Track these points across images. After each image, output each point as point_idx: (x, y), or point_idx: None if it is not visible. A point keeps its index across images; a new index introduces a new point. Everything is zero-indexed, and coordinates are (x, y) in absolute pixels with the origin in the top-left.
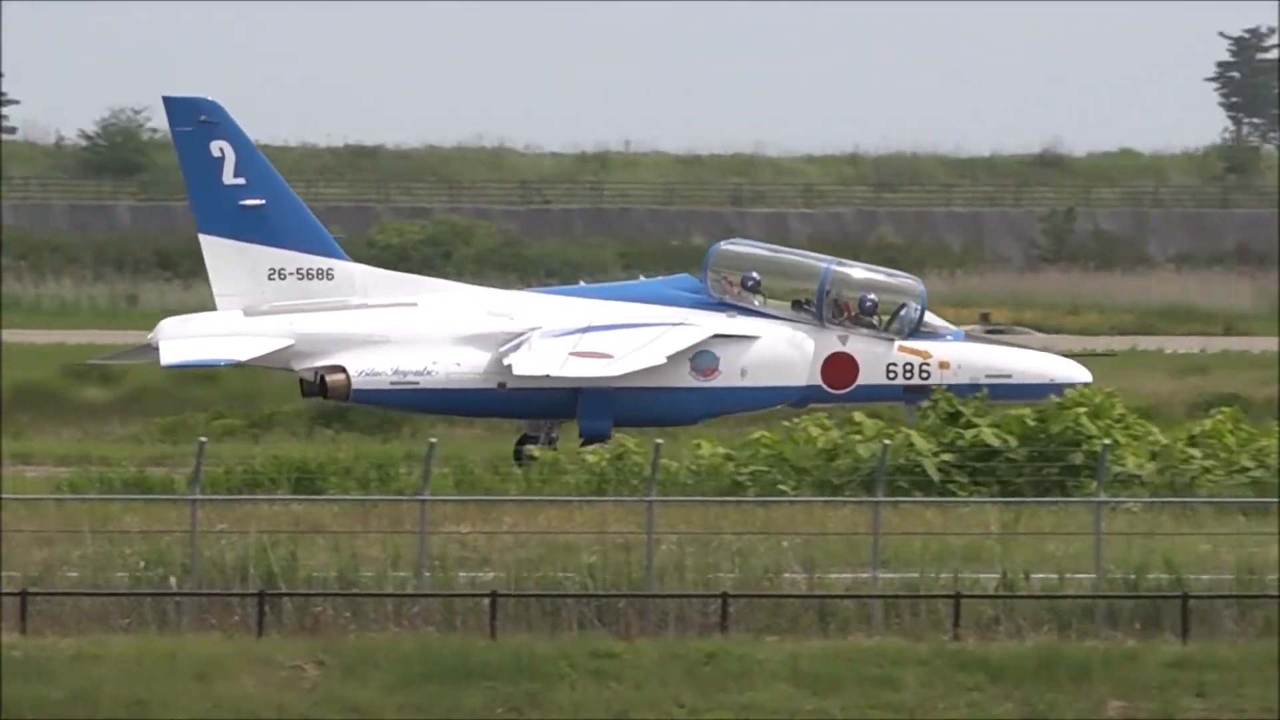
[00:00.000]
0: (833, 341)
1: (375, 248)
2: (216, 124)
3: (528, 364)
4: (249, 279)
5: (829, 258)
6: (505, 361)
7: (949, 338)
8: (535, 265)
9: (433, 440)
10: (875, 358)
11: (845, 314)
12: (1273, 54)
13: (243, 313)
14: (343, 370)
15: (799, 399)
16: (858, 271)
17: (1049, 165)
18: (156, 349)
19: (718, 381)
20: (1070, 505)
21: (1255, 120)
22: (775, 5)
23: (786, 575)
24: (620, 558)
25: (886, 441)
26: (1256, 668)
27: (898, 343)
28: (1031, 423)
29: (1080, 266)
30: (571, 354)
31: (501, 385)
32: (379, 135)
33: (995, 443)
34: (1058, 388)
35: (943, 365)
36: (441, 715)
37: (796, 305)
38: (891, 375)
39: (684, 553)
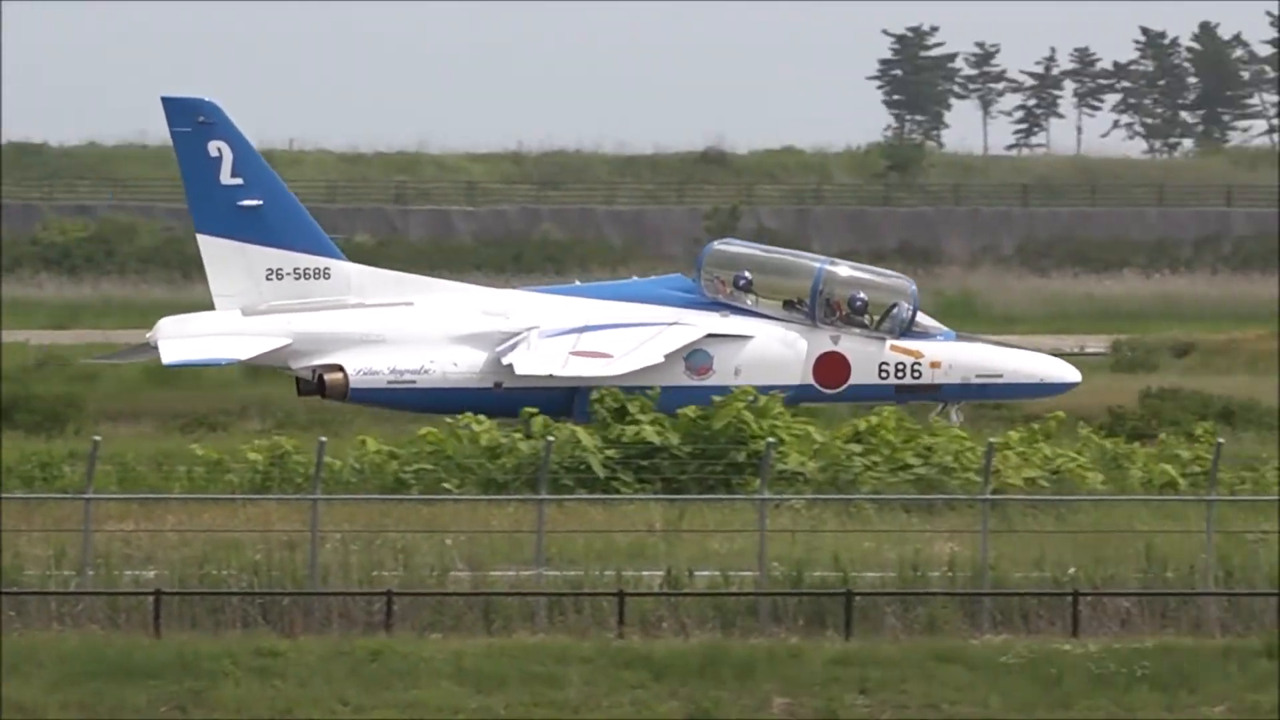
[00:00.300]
0: (825, 341)
1: (40, 245)
2: (214, 124)
3: (529, 363)
4: (247, 279)
5: (821, 257)
6: (506, 361)
7: (940, 338)
8: (194, 263)
9: (96, 438)
10: (867, 357)
11: (837, 313)
12: (935, 51)
13: (241, 312)
14: (340, 369)
15: (791, 398)
16: (850, 271)
17: (712, 163)
18: (155, 348)
19: (711, 380)
20: (734, 502)
21: (918, 118)
22: (431, 5)
23: (451, 573)
24: (284, 556)
25: (550, 439)
26: (918, 664)
27: (889, 342)
28: (695, 420)
29: None
30: (571, 354)
31: (498, 384)
32: (43, 132)
33: (656, 440)
34: (1049, 388)
35: (934, 365)
36: (106, 714)
37: (788, 305)
38: (884, 375)
39: (348, 551)
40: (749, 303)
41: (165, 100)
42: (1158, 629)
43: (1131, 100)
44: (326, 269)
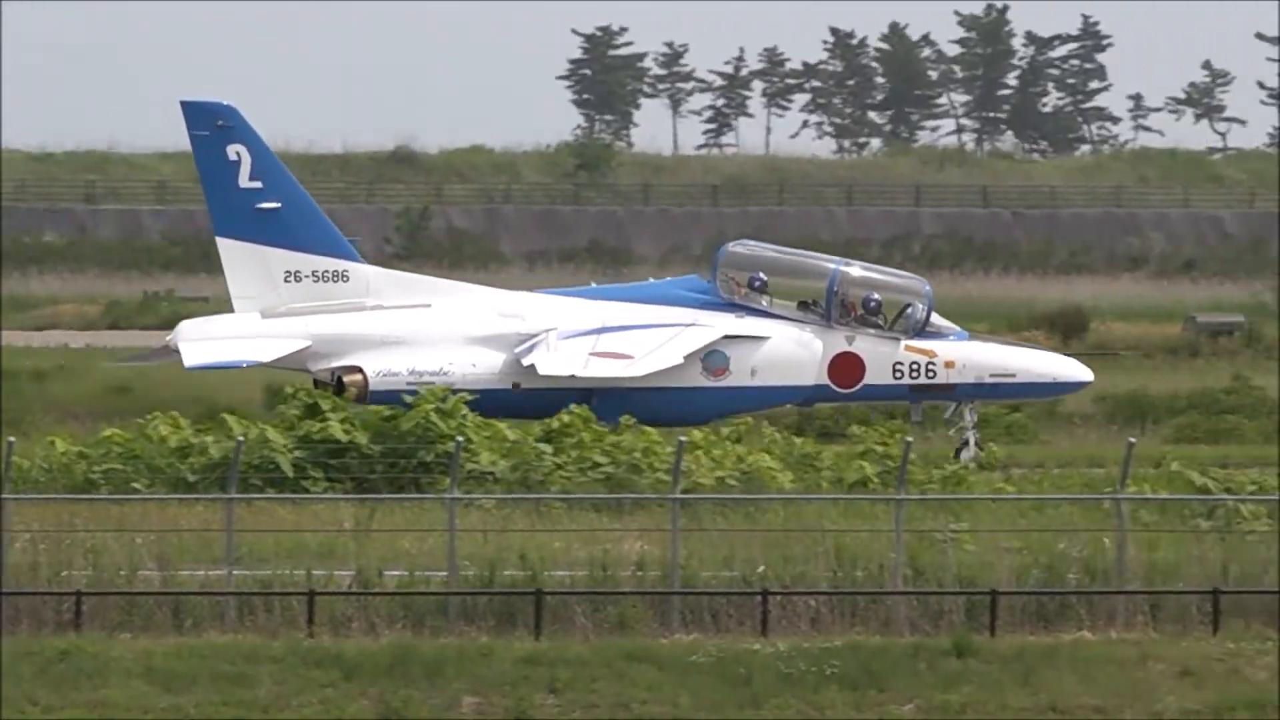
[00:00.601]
0: (840, 341)
1: None
2: (233, 128)
3: (551, 364)
4: (266, 281)
5: (836, 258)
6: (527, 362)
7: (952, 337)
8: None
9: None
10: (882, 357)
11: (852, 314)
12: (624, 51)
13: (260, 314)
14: (360, 371)
15: (807, 399)
16: (865, 272)
17: (402, 162)
18: (176, 351)
19: (728, 381)
20: (424, 502)
21: (607, 117)
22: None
23: (141, 572)
24: None
25: (240, 438)
26: (608, 663)
27: (904, 342)
28: (384, 420)
29: (435, 263)
30: (591, 355)
31: (516, 386)
32: None
33: (343, 438)
34: (1062, 387)
35: (948, 365)
36: None
37: (803, 305)
38: (898, 375)
39: (37, 550)
40: (764, 304)
41: (184, 104)
42: (847, 628)
43: (820, 100)
44: (345, 271)
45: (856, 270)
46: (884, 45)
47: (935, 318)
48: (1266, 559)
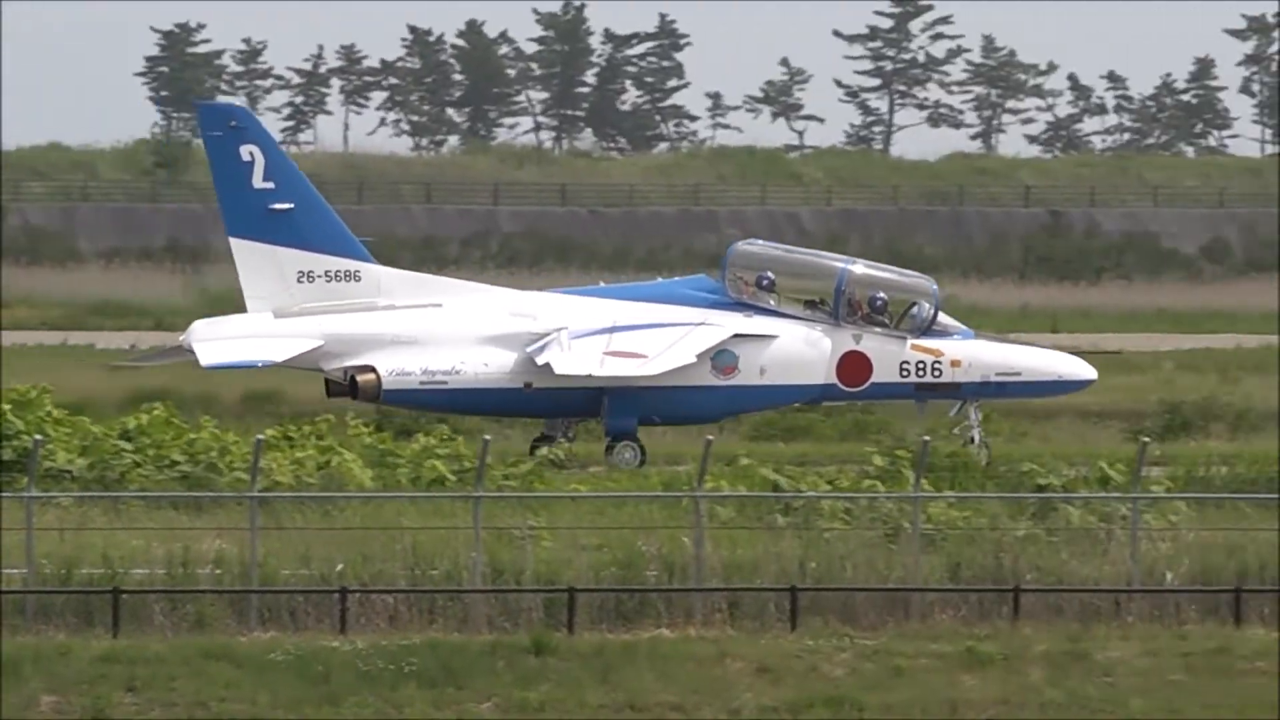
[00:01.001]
0: (847, 340)
1: None
2: (246, 129)
3: (567, 364)
4: (278, 281)
5: (844, 257)
6: (542, 361)
7: (958, 336)
8: None
9: None
10: (889, 356)
11: (859, 313)
12: (202, 48)
13: (273, 314)
14: (373, 370)
15: (815, 397)
16: (873, 271)
17: None
18: (189, 350)
19: (737, 380)
20: (2, 499)
21: (185, 115)
22: None
23: None
24: None
25: None
26: (186, 661)
27: (910, 341)
28: None
29: (12, 261)
30: (606, 354)
31: (528, 385)
32: None
33: None
34: (1066, 385)
35: (955, 363)
36: None
37: (810, 304)
38: (905, 373)
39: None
40: (771, 303)
41: (198, 105)
42: (425, 626)
43: (398, 98)
44: (356, 271)
45: (864, 269)
46: (461, 42)
47: (942, 316)
48: (844, 555)
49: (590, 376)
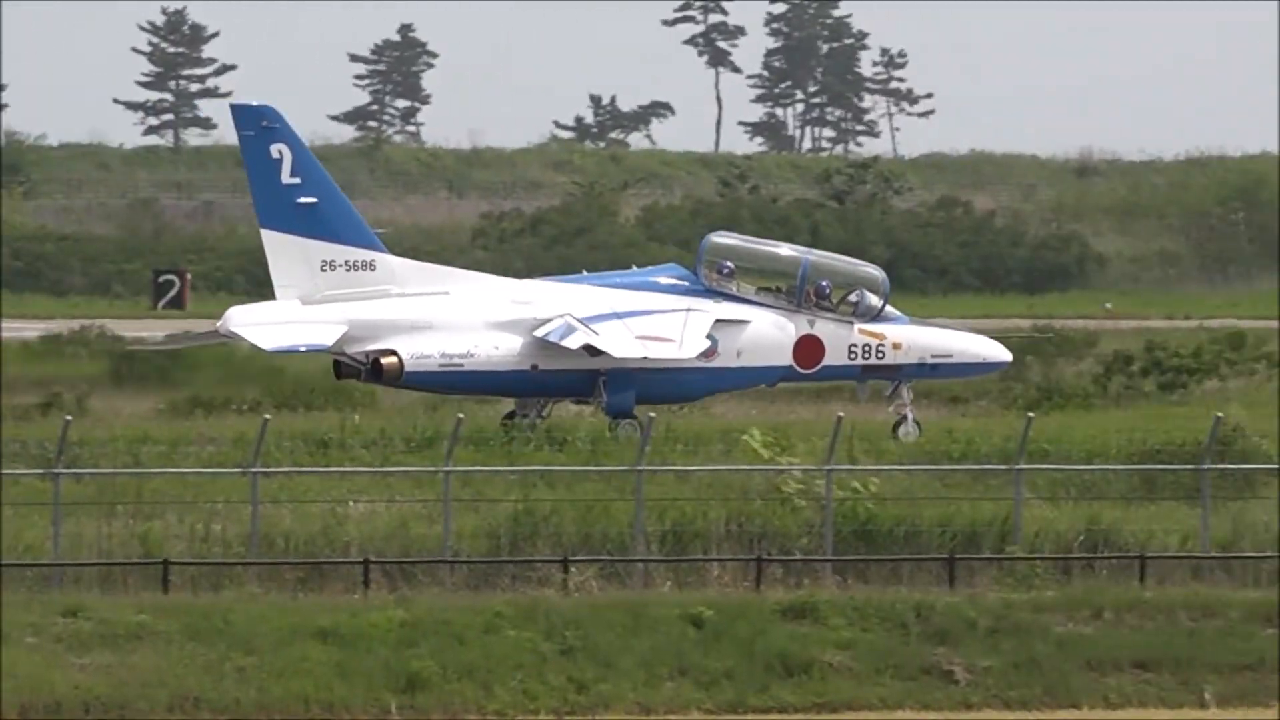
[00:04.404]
0: (804, 325)
1: None
2: (276, 128)
3: (621, 348)
4: (304, 270)
5: (803, 249)
6: (579, 344)
7: (897, 322)
8: None
9: None
10: (839, 339)
11: (817, 300)
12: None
13: (300, 301)
14: (395, 354)
15: (779, 378)
16: (831, 261)
17: None
18: (226, 336)
19: (716, 362)
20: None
21: None
22: None
23: None
24: None
25: None
26: None
27: (857, 326)
28: None
29: None
30: (638, 338)
31: (534, 367)
32: None
33: None
34: (988, 366)
35: (896, 346)
36: None
37: (773, 291)
38: (852, 356)
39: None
40: (734, 289)
41: (233, 107)
42: None
43: None
44: (372, 261)
45: (823, 260)
46: None
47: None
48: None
49: (646, 359)
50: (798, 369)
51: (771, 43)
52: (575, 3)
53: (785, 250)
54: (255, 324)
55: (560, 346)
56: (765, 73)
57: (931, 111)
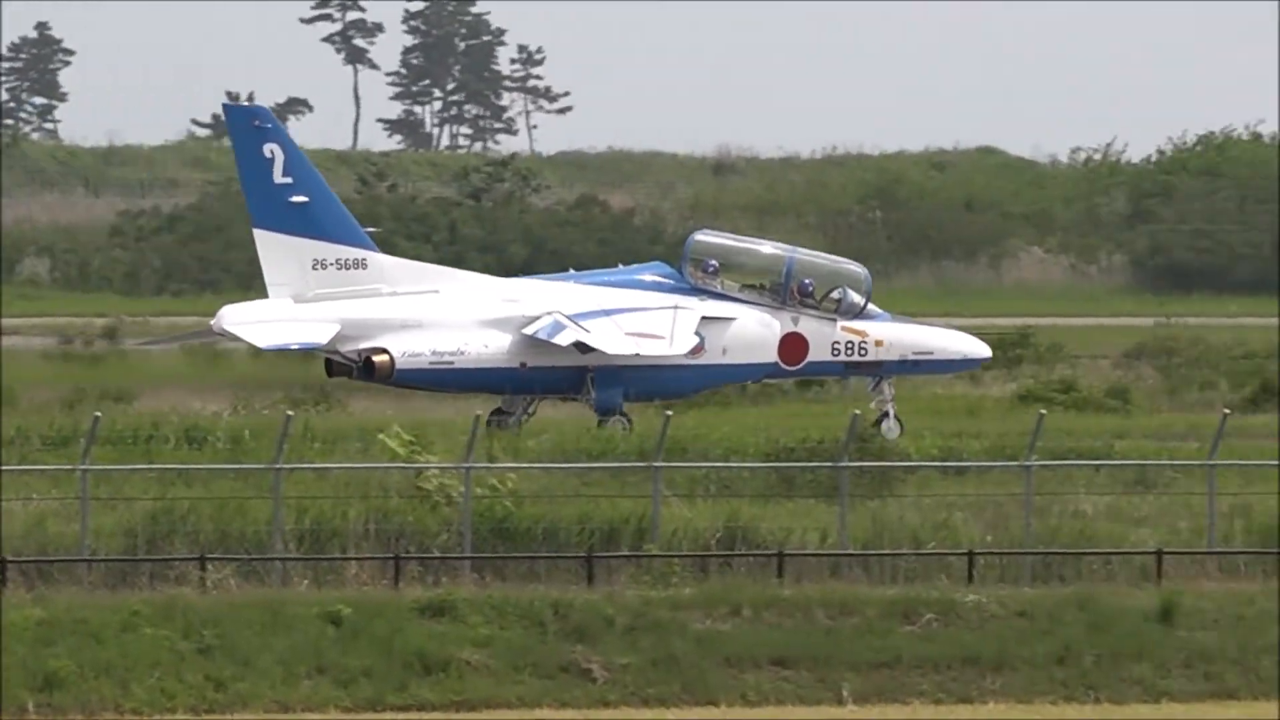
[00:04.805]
0: (788, 322)
1: None
2: (268, 129)
3: (613, 344)
4: (296, 269)
5: (787, 246)
6: (570, 342)
7: (879, 319)
8: None
9: None
10: (823, 336)
11: (800, 298)
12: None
13: (292, 300)
14: (386, 352)
15: (764, 375)
16: (814, 259)
17: None
18: (220, 334)
19: (703, 359)
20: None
21: None
22: None
23: None
24: None
25: None
26: None
27: (840, 323)
28: None
29: None
30: (629, 335)
31: (523, 364)
32: None
33: None
34: (969, 362)
35: (878, 343)
36: None
37: (758, 289)
38: (835, 352)
39: None
40: (719, 287)
41: (226, 108)
42: None
43: None
44: (363, 260)
45: (807, 257)
46: None
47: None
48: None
49: (637, 356)
50: (782, 366)
51: (410, 40)
52: (213, 2)
53: (769, 248)
54: (249, 323)
55: (550, 344)
56: (403, 70)
57: (570, 109)
